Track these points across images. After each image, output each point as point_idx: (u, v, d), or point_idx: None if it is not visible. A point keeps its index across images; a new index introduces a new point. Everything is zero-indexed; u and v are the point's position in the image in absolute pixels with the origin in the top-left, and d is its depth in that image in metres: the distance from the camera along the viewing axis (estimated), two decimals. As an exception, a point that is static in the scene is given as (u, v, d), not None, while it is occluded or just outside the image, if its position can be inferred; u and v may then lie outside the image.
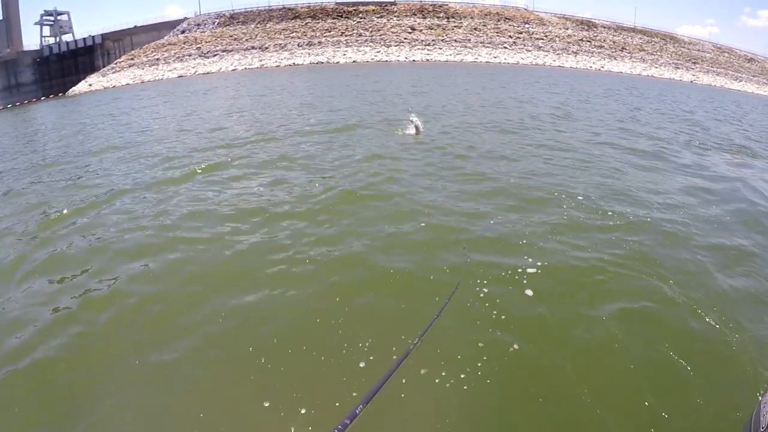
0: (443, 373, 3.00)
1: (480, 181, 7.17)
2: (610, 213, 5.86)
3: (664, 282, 4.27)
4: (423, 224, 5.41)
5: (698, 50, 60.37)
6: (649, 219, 5.75)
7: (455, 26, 53.20)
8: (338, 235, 5.28)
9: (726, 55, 61.66)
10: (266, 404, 2.85)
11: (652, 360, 3.27)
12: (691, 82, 51.51)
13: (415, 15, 53.36)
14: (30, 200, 7.43)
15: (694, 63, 57.46)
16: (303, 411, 2.77)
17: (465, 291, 3.90)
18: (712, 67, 57.76)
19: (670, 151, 10.08)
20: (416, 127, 10.15)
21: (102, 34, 48.57)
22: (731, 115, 20.71)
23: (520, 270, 4.29)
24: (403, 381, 2.95)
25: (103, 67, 47.86)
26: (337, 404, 2.78)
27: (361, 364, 3.13)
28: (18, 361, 3.44)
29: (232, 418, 2.81)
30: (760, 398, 1.87)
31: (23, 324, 3.92)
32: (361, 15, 52.37)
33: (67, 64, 47.40)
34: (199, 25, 50.57)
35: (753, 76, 58.40)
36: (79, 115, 21.31)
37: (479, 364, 3.08)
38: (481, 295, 3.89)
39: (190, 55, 46.92)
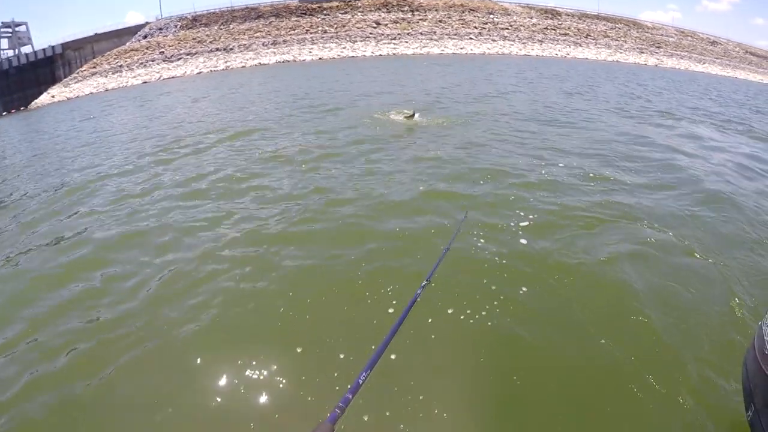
0: (468, 311, 3.32)
1: (466, 152, 7.75)
2: (591, 175, 6.46)
3: (647, 226, 4.79)
4: (421, 188, 5.90)
5: (662, 35, 61.64)
6: (627, 181, 6.34)
7: (420, 19, 53.46)
8: (339, 200, 5.69)
9: (689, 38, 63.08)
10: (299, 350, 3.01)
11: (652, 291, 3.61)
12: (656, 65, 52.43)
13: (380, 10, 53.45)
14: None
15: (658, 47, 58.65)
16: (342, 356, 2.92)
17: (466, 243, 4.30)
18: (675, 50, 59.04)
19: (646, 124, 11.03)
20: (412, 115, 10.82)
21: (62, 44, 47.49)
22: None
23: (512, 224, 4.74)
24: (430, 320, 3.24)
25: (65, 77, 46.81)
26: (372, 347, 2.84)
27: (390, 310, 3.33)
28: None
29: (267, 364, 2.93)
30: (760, 322, 1.96)
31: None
32: (325, 12, 52.23)
33: (28, 77, 46.11)
34: (161, 29, 49.83)
35: (716, 58, 59.87)
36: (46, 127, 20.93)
37: (495, 303, 3.41)
38: (479, 244, 4.31)
39: (153, 60, 46.17)
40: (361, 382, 1.31)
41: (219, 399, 2.72)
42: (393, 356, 2.89)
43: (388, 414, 2.53)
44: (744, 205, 5.64)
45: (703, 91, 24.68)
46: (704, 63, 57.36)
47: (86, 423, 2.68)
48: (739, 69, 57.81)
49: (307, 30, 50.48)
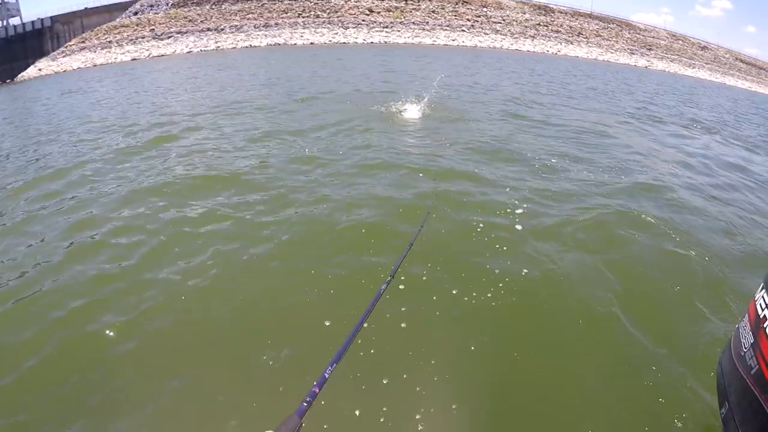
0: (474, 294, 3.48)
1: (461, 145, 7.84)
2: (582, 169, 6.82)
3: (636, 220, 5.03)
4: (405, 171, 6.14)
5: (653, 37, 62.12)
6: (618, 178, 6.65)
7: (413, 9, 53.40)
8: (339, 186, 5.74)
9: (680, 42, 63.63)
10: (327, 323, 3.13)
11: (640, 284, 3.85)
12: (646, 67, 52.88)
13: (373, -3, 53.26)
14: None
15: (649, 49, 59.10)
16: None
17: (466, 229, 4.52)
18: (666, 53, 59.53)
19: (632, 124, 11.55)
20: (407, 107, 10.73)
21: (51, 17, 46.81)
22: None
23: (509, 210, 5.00)
24: (434, 298, 3.40)
25: (53, 51, 46.14)
26: (388, 316, 3.21)
27: (401, 287, 3.51)
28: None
29: (297, 334, 3.07)
30: (737, 325, 2.00)
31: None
32: (318, -4, 51.96)
33: (16, 49, 45.39)
34: (152, 6, 49.29)
35: (706, 63, 60.47)
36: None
37: (500, 285, 3.59)
38: (479, 229, 4.50)
39: (143, 38, 45.66)
40: (327, 375, 1.37)
41: (214, 372, 2.81)
42: (403, 324, 3.10)
43: (391, 383, 2.68)
44: (726, 206, 5.94)
45: (689, 94, 25.21)
46: (694, 67, 57.93)
47: (83, 374, 2.82)
48: (728, 75, 58.48)
49: (299, 14, 50.21)
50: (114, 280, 3.73)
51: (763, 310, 1.77)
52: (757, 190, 6.98)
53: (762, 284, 1.87)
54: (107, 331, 3.13)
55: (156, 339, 3.08)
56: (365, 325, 2.88)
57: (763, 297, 1.81)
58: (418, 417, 2.48)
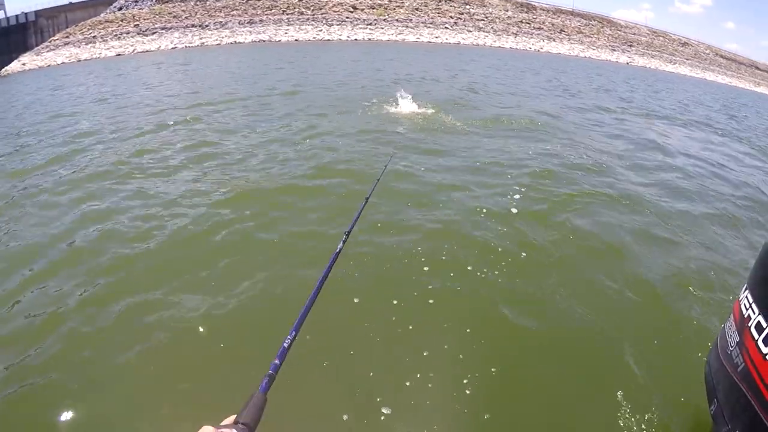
0: (469, 268, 3.89)
1: (457, 139, 8.33)
2: (575, 160, 7.39)
3: (627, 207, 5.47)
4: (421, 170, 6.39)
5: (634, 34, 62.89)
6: (604, 165, 7.35)
7: (397, 6, 53.63)
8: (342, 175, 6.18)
9: (661, 39, 64.43)
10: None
11: (631, 276, 4.08)
12: (627, 63, 53.68)
13: (357, -6, 53.34)
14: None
15: (630, 46, 59.87)
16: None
17: (471, 215, 4.94)
18: (647, 50, 60.32)
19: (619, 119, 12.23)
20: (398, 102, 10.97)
21: (35, 11, 46.65)
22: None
23: (507, 197, 5.49)
24: (451, 274, 3.76)
25: (37, 45, 45.95)
26: (416, 294, 3.56)
27: (423, 274, 3.84)
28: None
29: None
30: (723, 324, 2.06)
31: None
32: (302, -7, 51.93)
33: (0, 43, 45.38)
34: (137, 1, 49.17)
35: (686, 59, 61.33)
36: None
37: (503, 264, 3.95)
38: (481, 215, 4.95)
39: (128, 33, 45.67)
40: (287, 346, 1.28)
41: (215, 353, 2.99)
42: (431, 300, 3.33)
43: (433, 355, 2.87)
44: (711, 200, 6.34)
45: (668, 89, 26.29)
46: (675, 63, 58.78)
47: (81, 353, 3.03)
48: (708, 71, 59.41)
49: (283, 11, 50.31)
50: (116, 265, 3.98)
51: (747, 309, 1.80)
52: (742, 185, 7.44)
53: (746, 285, 1.90)
54: (106, 316, 3.34)
55: (144, 316, 3.30)
56: (395, 302, 3.30)
57: (747, 297, 1.84)
58: (465, 381, 2.70)
